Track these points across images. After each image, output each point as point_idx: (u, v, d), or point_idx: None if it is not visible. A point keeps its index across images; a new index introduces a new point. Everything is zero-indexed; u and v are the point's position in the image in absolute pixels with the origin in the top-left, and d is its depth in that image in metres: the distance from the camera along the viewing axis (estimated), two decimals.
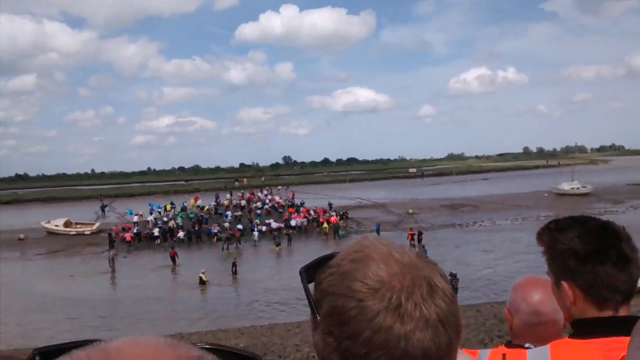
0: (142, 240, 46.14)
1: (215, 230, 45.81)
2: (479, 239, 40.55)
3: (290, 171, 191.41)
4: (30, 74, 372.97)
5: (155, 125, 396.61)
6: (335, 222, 46.73)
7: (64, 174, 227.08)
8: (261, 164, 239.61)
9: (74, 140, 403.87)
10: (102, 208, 71.53)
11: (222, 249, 42.36)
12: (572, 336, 1.56)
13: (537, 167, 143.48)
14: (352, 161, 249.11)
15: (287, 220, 47.83)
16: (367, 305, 0.75)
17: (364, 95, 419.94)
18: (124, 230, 47.99)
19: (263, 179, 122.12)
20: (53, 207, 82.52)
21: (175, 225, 49.19)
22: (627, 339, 1.03)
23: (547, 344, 1.58)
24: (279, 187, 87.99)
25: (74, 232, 52.28)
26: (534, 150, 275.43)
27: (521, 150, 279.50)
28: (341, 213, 51.53)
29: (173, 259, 37.80)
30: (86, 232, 52.15)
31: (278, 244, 42.04)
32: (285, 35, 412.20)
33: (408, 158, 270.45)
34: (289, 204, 57.61)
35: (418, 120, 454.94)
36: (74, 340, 0.55)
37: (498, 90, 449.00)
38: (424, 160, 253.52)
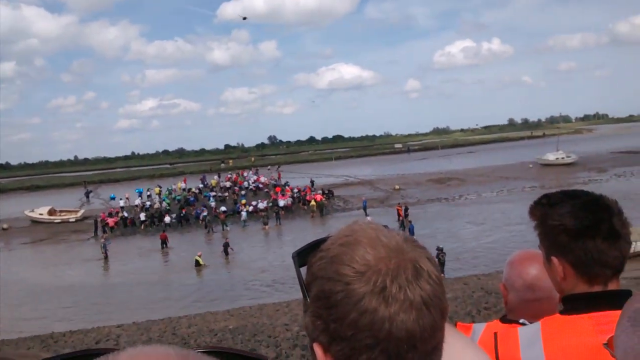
0: (128, 225, 45.84)
1: (204, 214, 45.56)
2: (466, 212, 40.70)
3: (276, 151, 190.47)
4: (9, 61, 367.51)
5: (139, 108, 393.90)
6: (320, 199, 46.78)
7: (47, 162, 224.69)
8: (247, 145, 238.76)
9: (56, 127, 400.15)
10: (87, 194, 70.97)
11: (208, 231, 42.35)
12: (562, 312, 1.57)
13: (522, 138, 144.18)
14: (338, 139, 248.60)
15: (275, 200, 47.85)
16: (354, 288, 0.78)
17: (349, 71, 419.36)
18: (110, 215, 47.67)
19: (253, 159, 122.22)
20: (37, 195, 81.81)
21: (162, 208, 49.07)
22: (618, 312, 1.05)
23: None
24: (269, 166, 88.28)
25: (59, 220, 51.80)
26: (519, 122, 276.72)
27: (506, 122, 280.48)
28: (327, 191, 51.65)
29: (164, 242, 37.62)
30: (71, 220, 51.70)
31: (266, 223, 42.24)
32: (268, 12, 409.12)
33: (394, 134, 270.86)
34: (274, 183, 57.76)
35: (403, 95, 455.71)
36: (78, 350, 0.53)
37: (483, 62, 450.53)
38: (409, 136, 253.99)
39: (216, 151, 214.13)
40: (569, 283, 1.55)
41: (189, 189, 58.77)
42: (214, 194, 54.40)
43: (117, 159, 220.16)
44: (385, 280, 0.77)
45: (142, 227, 45.41)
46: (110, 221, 45.72)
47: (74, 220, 51.65)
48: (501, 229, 32.03)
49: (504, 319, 1.94)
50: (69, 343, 17.87)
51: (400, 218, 37.50)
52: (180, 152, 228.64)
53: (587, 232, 1.49)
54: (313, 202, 46.08)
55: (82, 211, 54.55)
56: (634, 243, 21.83)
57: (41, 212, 53.16)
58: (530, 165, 65.50)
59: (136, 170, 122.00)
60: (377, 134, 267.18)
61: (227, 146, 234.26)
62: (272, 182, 59.32)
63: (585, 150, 74.77)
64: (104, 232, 43.24)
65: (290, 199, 48.23)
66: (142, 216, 46.59)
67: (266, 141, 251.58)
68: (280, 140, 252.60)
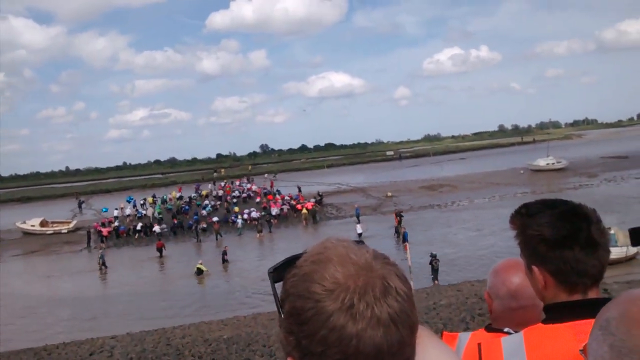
0: (121, 236, 45.62)
1: (193, 224, 45.43)
2: (459, 218, 40.85)
3: (268, 159, 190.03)
4: None
5: (129, 118, 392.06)
6: (312, 207, 46.88)
7: (38, 173, 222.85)
8: (238, 154, 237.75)
9: (46, 138, 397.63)
10: (79, 205, 70.70)
11: (198, 240, 42.47)
12: (544, 321, 1.57)
13: (512, 144, 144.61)
14: (329, 147, 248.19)
15: (266, 209, 47.97)
16: (323, 306, 0.80)
17: (339, 79, 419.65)
18: (103, 225, 47.52)
19: (250, 167, 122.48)
20: (28, 206, 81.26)
21: (154, 217, 49.04)
22: None
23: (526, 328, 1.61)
24: (265, 174, 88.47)
25: (51, 232, 51.57)
26: (509, 128, 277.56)
27: (497, 128, 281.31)
28: (317, 196, 52.38)
29: (160, 251, 37.49)
30: (63, 231, 51.47)
31: (260, 231, 42.48)
32: (257, 22, 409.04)
33: (385, 141, 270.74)
34: (266, 191, 57.98)
35: (394, 103, 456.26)
36: None
37: (471, 69, 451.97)
38: (401, 143, 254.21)
39: (208, 160, 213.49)
40: (550, 292, 1.56)
41: (180, 197, 59.12)
42: (207, 202, 54.49)
43: (108, 169, 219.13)
44: (353, 298, 0.79)
45: (137, 236, 45.27)
46: (105, 231, 45.58)
47: (66, 231, 51.41)
48: (494, 235, 32.12)
49: (489, 328, 1.93)
50: (62, 355, 17.78)
51: (398, 223, 37.17)
52: (172, 162, 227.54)
53: (565, 242, 1.51)
54: (305, 210, 46.11)
55: (74, 222, 54.27)
56: (625, 248, 22.11)
57: (33, 223, 52.85)
58: (522, 171, 65.76)
59: (128, 181, 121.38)
60: (369, 142, 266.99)
61: (219, 155, 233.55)
62: (264, 190, 59.46)
63: (575, 156, 75.19)
64: (102, 241, 43.15)
65: (284, 208, 48.31)
66: (139, 226, 46.48)
67: (258, 150, 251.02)
68: (272, 149, 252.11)
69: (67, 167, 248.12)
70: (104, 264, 35.53)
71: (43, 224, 52.90)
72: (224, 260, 33.28)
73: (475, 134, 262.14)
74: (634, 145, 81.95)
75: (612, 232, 21.83)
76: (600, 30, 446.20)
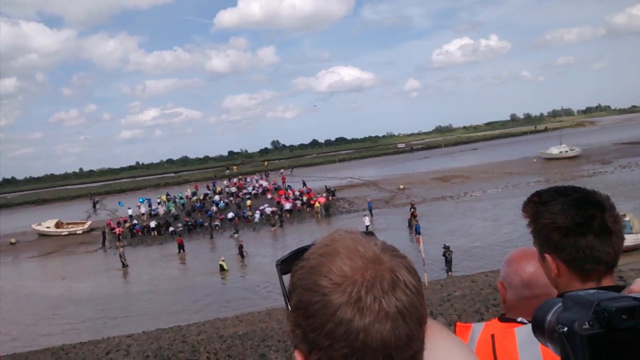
0: (136, 235, 45.93)
1: (208, 221, 45.82)
2: (472, 208, 40.58)
3: (279, 155, 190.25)
4: (10, 77, 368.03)
5: (141, 119, 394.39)
6: (324, 201, 46.99)
7: (52, 175, 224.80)
8: (250, 150, 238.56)
9: (60, 140, 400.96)
10: (94, 205, 71.37)
11: (211, 236, 42.82)
12: None
13: (525, 133, 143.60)
14: (340, 141, 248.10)
15: (279, 204, 48.33)
16: (330, 299, 0.79)
17: (348, 74, 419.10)
18: (118, 224, 47.98)
19: (266, 163, 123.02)
20: (43, 208, 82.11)
21: (170, 215, 49.89)
22: None
23: None
24: (281, 170, 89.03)
25: (66, 233, 52.04)
26: (521, 117, 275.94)
27: (508, 118, 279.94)
28: (330, 190, 52.74)
29: (181, 247, 37.68)
30: (78, 232, 51.93)
31: (273, 225, 43.07)
32: (265, 18, 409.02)
33: (396, 134, 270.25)
34: (277, 187, 58.27)
35: (404, 95, 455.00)
36: None
37: (481, 59, 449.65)
38: (412, 135, 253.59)
39: (220, 158, 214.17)
40: (563, 280, 1.55)
41: (194, 193, 59.96)
42: (217, 198, 54.92)
43: (121, 169, 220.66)
44: (360, 291, 0.78)
45: (154, 234, 45.65)
46: (117, 230, 45.97)
47: (81, 232, 51.88)
48: (508, 225, 31.88)
49: (503, 318, 1.93)
50: (79, 354, 17.92)
51: (414, 215, 36.65)
52: (184, 161, 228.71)
53: (579, 230, 1.49)
54: (317, 204, 46.27)
55: (89, 223, 54.75)
56: (639, 234, 21.86)
57: (48, 225, 53.37)
58: (535, 160, 65.33)
59: (141, 180, 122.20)
60: (380, 135, 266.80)
61: (230, 153, 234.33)
62: (275, 185, 59.77)
63: (588, 143, 74.56)
64: (119, 240, 43.50)
65: (297, 202, 48.62)
66: (152, 224, 46.81)
67: (269, 146, 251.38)
68: (284, 145, 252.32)
69: (80, 169, 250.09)
70: (124, 262, 35.77)
71: (58, 225, 53.41)
72: (242, 255, 33.40)
73: (487, 124, 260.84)
74: None
75: (626, 218, 21.60)
76: (610, 15, 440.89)
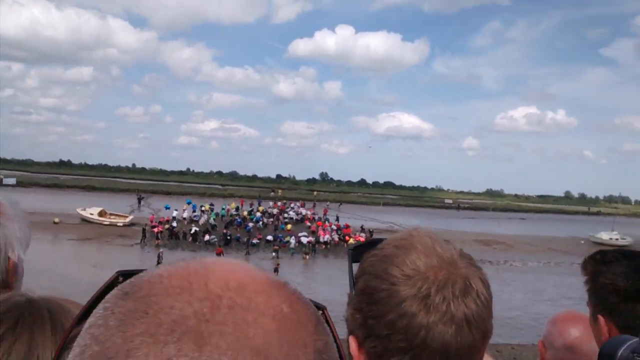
0: (173, 237, 46.58)
1: (246, 237, 46.45)
2: (510, 278, 39.47)
3: (326, 188, 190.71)
4: (87, 66, 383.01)
5: (201, 128, 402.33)
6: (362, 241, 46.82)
7: (106, 165, 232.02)
8: (297, 177, 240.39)
9: (120, 133, 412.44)
10: (139, 200, 72.83)
11: (247, 252, 43.56)
12: None
13: (577, 212, 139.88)
14: (388, 185, 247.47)
15: (315, 233, 48.90)
16: (397, 290, 0.78)
17: (408, 121, 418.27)
18: (159, 223, 48.77)
19: (315, 193, 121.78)
20: (91, 195, 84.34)
21: (207, 223, 50.59)
22: None
23: None
24: (328, 203, 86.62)
25: (108, 222, 53.14)
26: (576, 196, 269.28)
27: (562, 194, 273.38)
28: (368, 233, 52.33)
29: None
30: (119, 224, 52.97)
31: (307, 254, 44.35)
32: (337, 54, 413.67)
33: (446, 189, 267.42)
34: (317, 217, 58.44)
35: (460, 152, 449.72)
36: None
37: (545, 130, 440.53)
38: (461, 193, 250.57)
39: (267, 179, 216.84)
40: None
41: (237, 208, 60.38)
42: (260, 215, 55.45)
43: (172, 172, 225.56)
44: (431, 289, 0.77)
45: (190, 239, 46.17)
46: (156, 229, 46.73)
47: (121, 224, 52.88)
48: (547, 302, 30.89)
49: None
50: None
51: None
52: (233, 175, 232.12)
53: (639, 296, 1.43)
54: (352, 242, 46.00)
55: (130, 217, 55.84)
56: None
57: (92, 212, 54.57)
58: (582, 242, 63.24)
59: (188, 187, 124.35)
60: (429, 187, 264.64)
61: (278, 176, 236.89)
62: (316, 216, 59.88)
63: None
64: (157, 238, 44.17)
65: (334, 236, 48.65)
66: (193, 229, 47.43)
67: (317, 177, 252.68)
68: (332, 178, 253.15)
69: (133, 164, 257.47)
70: (161, 263, 36.12)
71: (102, 214, 54.61)
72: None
73: (539, 196, 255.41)
74: None
75: None
76: None
